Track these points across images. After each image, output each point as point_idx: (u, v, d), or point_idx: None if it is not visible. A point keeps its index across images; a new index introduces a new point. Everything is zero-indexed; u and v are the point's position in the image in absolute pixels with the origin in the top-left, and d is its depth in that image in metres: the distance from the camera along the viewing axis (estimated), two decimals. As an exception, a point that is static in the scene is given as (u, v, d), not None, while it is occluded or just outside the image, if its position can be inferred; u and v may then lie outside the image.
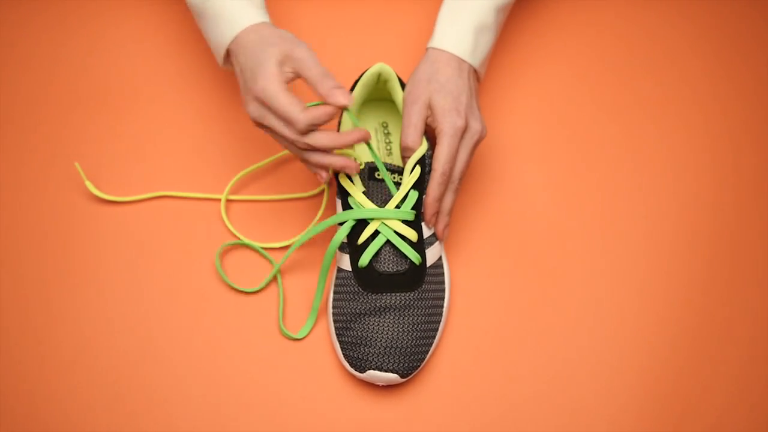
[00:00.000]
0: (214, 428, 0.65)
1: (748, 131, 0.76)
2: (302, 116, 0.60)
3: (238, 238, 0.71)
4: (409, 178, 0.64)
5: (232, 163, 0.74)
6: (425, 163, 0.66)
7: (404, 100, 0.66)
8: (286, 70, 0.62)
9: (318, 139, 0.61)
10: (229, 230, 0.71)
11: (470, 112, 0.65)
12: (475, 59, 0.67)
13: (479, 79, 0.69)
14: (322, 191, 0.72)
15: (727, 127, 0.76)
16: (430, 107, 0.65)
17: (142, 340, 0.68)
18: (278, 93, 0.60)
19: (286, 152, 0.73)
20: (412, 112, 0.65)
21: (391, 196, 0.64)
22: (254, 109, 0.63)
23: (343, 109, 0.60)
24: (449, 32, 0.67)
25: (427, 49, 0.68)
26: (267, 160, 0.73)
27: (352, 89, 0.68)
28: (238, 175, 0.72)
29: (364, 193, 0.64)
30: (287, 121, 0.61)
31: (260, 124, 0.64)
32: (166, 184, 0.73)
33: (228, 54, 0.66)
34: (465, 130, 0.65)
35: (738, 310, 0.70)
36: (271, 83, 0.60)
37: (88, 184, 0.71)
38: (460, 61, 0.66)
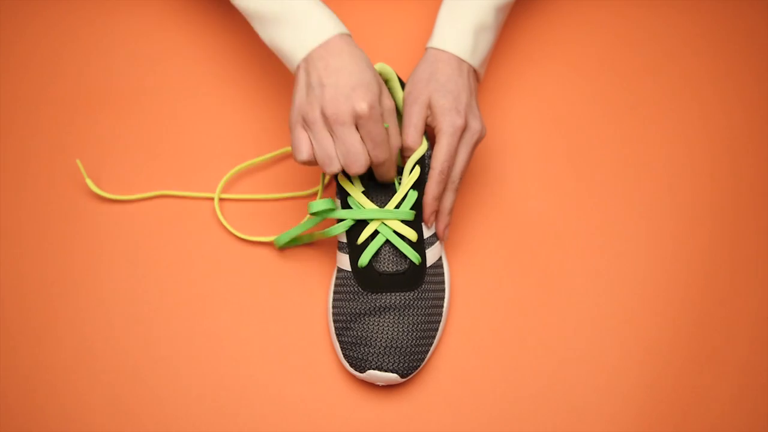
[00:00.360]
0: (214, 428, 0.65)
1: (748, 132, 0.76)
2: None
3: (234, 235, 0.71)
4: (409, 178, 0.64)
5: (232, 162, 0.74)
6: (425, 163, 0.66)
7: (404, 100, 0.66)
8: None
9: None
10: (228, 231, 0.71)
11: (470, 111, 0.65)
12: (475, 59, 0.67)
13: (479, 79, 0.69)
14: (317, 192, 0.72)
15: (727, 127, 0.76)
16: (429, 107, 0.65)
17: (142, 340, 0.68)
18: (416, 109, 0.65)
19: (281, 151, 0.73)
20: (412, 112, 0.65)
21: (391, 196, 0.64)
22: (369, 100, 0.60)
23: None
24: (449, 32, 0.67)
25: (426, 48, 0.68)
26: (260, 158, 0.73)
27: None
28: (230, 173, 0.73)
29: (363, 192, 0.64)
30: (387, 140, 0.61)
31: (312, 122, 0.61)
32: (166, 183, 0.73)
33: (307, 59, 0.63)
34: (464, 129, 0.65)
35: (738, 310, 0.70)
36: (379, 102, 0.61)
37: (88, 181, 0.71)
38: (460, 61, 0.66)
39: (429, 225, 0.66)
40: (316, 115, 0.60)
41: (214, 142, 0.75)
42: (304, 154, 0.61)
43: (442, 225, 0.66)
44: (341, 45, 0.61)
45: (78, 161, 0.71)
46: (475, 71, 0.68)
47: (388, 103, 0.62)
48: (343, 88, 0.60)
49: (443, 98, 0.65)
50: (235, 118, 0.76)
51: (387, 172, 0.63)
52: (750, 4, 0.82)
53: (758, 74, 0.79)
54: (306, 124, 0.61)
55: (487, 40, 0.68)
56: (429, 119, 0.65)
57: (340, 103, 0.59)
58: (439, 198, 0.65)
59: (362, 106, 0.59)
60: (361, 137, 0.60)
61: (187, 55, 0.79)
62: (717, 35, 0.80)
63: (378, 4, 0.81)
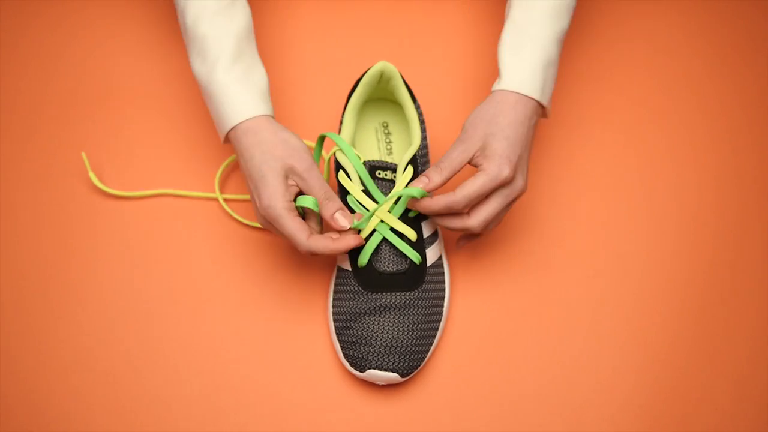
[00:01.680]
0: (214, 428, 0.65)
1: (749, 131, 0.76)
2: (306, 244, 0.61)
3: (235, 235, 0.71)
4: (402, 178, 0.64)
5: (234, 161, 0.74)
6: (417, 162, 0.65)
7: (459, 137, 0.63)
8: (290, 184, 0.62)
9: (318, 247, 0.61)
10: (228, 231, 0.71)
11: (520, 166, 0.62)
12: (544, 97, 0.63)
13: (546, 115, 0.66)
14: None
15: (729, 126, 0.76)
16: (482, 148, 0.62)
17: (143, 340, 0.68)
18: (284, 217, 0.61)
19: None
20: (457, 151, 0.62)
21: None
22: (261, 219, 0.63)
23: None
24: (516, 71, 0.63)
25: (492, 91, 0.64)
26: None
27: (354, 88, 0.68)
28: (225, 163, 0.73)
29: (363, 191, 0.64)
30: (293, 242, 0.61)
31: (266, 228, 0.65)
32: (166, 183, 0.73)
33: (228, 138, 0.65)
34: (509, 182, 0.61)
35: (738, 310, 0.69)
36: (277, 202, 0.61)
37: (92, 175, 0.71)
38: (527, 102, 0.62)
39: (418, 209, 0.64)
40: (262, 222, 0.64)
41: (215, 140, 0.75)
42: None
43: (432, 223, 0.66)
44: (247, 131, 0.62)
45: (83, 154, 0.71)
46: (542, 108, 0.64)
47: (300, 168, 0.62)
48: (253, 188, 0.62)
49: (499, 143, 0.61)
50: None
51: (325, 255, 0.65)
52: (750, 3, 0.82)
53: (759, 74, 0.79)
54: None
55: (553, 75, 0.64)
56: (477, 158, 0.62)
57: (258, 206, 0.62)
58: (437, 214, 0.63)
59: (262, 206, 0.61)
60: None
61: (186, 56, 0.79)
62: (718, 35, 0.80)
63: (379, 4, 0.81)
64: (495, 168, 0.60)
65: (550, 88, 0.64)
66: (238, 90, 0.63)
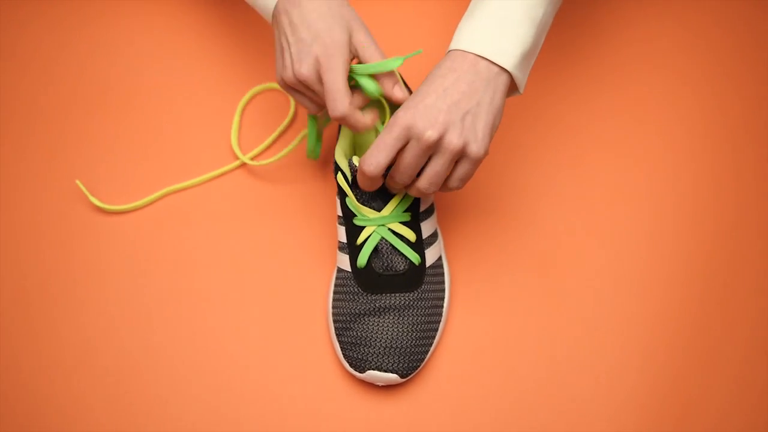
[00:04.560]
0: (214, 428, 0.65)
1: (747, 131, 0.76)
2: (344, 109, 0.58)
3: (234, 222, 0.71)
4: None
5: (233, 160, 0.74)
6: None
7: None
8: (349, 50, 0.59)
9: (355, 117, 0.60)
10: (229, 231, 0.71)
11: (450, 123, 0.56)
12: (487, 51, 0.57)
13: (518, 88, 0.60)
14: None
15: (727, 126, 0.76)
16: None
17: (143, 341, 0.68)
18: (339, 71, 0.58)
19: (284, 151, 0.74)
20: (383, 129, 0.58)
21: (388, 197, 0.64)
22: (296, 75, 0.59)
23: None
24: (459, 31, 0.58)
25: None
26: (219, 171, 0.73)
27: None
28: (235, 123, 0.73)
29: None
30: (328, 99, 0.58)
31: (291, 84, 0.61)
32: (165, 183, 0.73)
33: (275, 11, 0.61)
34: (436, 143, 0.57)
35: (738, 310, 0.69)
36: (339, 52, 0.58)
37: (92, 199, 0.71)
38: (475, 61, 0.57)
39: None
40: (290, 79, 0.61)
41: (215, 141, 0.75)
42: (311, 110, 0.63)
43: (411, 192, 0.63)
44: None
45: (78, 182, 0.71)
46: (505, 75, 0.58)
47: (358, 38, 0.59)
48: (302, 45, 0.59)
49: (409, 98, 0.58)
50: (234, 118, 0.76)
51: (354, 125, 0.60)
52: (750, 4, 0.81)
53: (758, 74, 0.78)
54: (287, 87, 0.62)
55: (517, 29, 0.57)
56: None
57: (301, 64, 0.59)
58: (400, 189, 0.61)
59: (316, 51, 0.59)
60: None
61: (186, 56, 0.79)
62: (716, 35, 0.80)
63: (380, 4, 0.81)
64: (393, 117, 0.57)
65: (513, 49, 0.57)
66: None
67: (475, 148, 0.57)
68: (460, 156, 0.58)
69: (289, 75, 0.60)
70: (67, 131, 0.75)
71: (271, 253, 0.71)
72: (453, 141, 0.56)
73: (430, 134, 0.56)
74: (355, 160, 0.61)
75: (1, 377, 0.67)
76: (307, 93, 0.62)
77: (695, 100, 0.77)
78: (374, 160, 0.57)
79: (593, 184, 0.74)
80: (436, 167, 0.58)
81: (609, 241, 0.72)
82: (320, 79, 0.59)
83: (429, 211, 0.66)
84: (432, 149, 0.57)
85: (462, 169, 0.59)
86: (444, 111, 0.56)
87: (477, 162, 0.58)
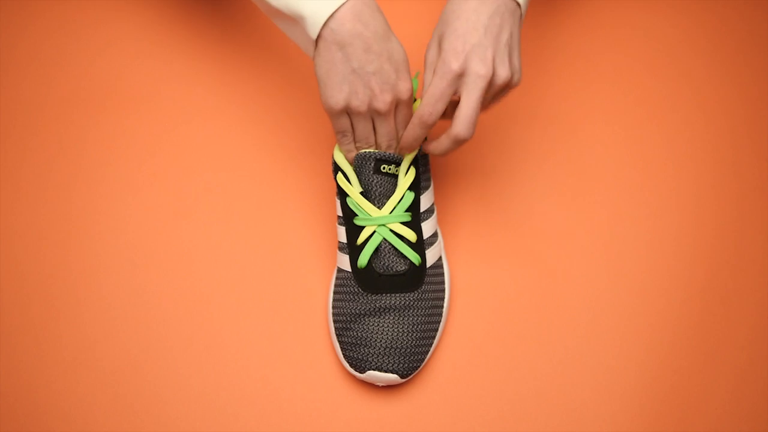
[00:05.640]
0: (214, 428, 0.65)
1: (749, 131, 0.76)
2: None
3: (238, 222, 0.71)
4: (405, 180, 0.63)
5: (233, 161, 0.74)
6: (419, 163, 0.65)
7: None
8: None
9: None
10: (229, 230, 0.71)
11: (479, 53, 0.57)
12: None
13: (521, 15, 0.60)
14: None
15: (729, 126, 0.76)
16: (438, 55, 0.60)
17: (143, 340, 0.68)
18: (410, 104, 0.61)
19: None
20: (436, 79, 0.59)
21: (389, 197, 0.64)
22: (390, 98, 0.60)
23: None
24: None
25: None
26: None
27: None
28: None
29: (361, 193, 0.64)
30: (415, 120, 0.59)
31: (357, 112, 0.60)
32: (167, 183, 0.73)
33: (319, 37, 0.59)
34: (464, 73, 0.58)
35: (738, 310, 0.69)
36: (410, 85, 0.60)
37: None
38: None
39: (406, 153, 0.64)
40: (360, 107, 0.60)
41: (215, 141, 0.75)
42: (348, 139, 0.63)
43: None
44: (350, 16, 0.57)
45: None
46: (519, 8, 0.60)
47: (403, 86, 0.60)
48: (386, 76, 0.59)
49: (447, 39, 0.58)
50: (237, 118, 0.76)
51: (411, 146, 0.62)
52: (750, 3, 0.81)
53: (759, 73, 0.78)
54: (349, 112, 0.61)
55: None
56: (437, 67, 0.60)
57: (384, 95, 0.59)
58: (419, 139, 0.62)
59: (405, 93, 0.60)
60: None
61: (186, 56, 0.78)
62: (717, 34, 0.80)
63: (380, 4, 0.81)
64: (441, 64, 0.58)
65: None
66: None
67: (517, 77, 0.60)
68: (506, 87, 0.60)
69: (361, 103, 0.59)
70: (67, 131, 0.75)
71: (271, 254, 0.71)
72: (503, 74, 0.58)
73: (485, 72, 0.57)
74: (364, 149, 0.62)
75: (1, 377, 0.66)
76: (360, 124, 0.61)
77: (695, 100, 0.77)
78: (433, 109, 0.58)
79: (594, 184, 0.74)
80: (487, 103, 0.61)
81: (609, 241, 0.72)
82: (393, 112, 0.61)
83: (429, 211, 0.66)
84: (488, 86, 0.58)
85: (500, 96, 0.62)
86: (490, 47, 0.58)
87: (514, 88, 0.62)
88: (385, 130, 0.61)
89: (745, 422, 0.66)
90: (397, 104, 0.61)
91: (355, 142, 0.63)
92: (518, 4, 0.59)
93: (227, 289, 0.70)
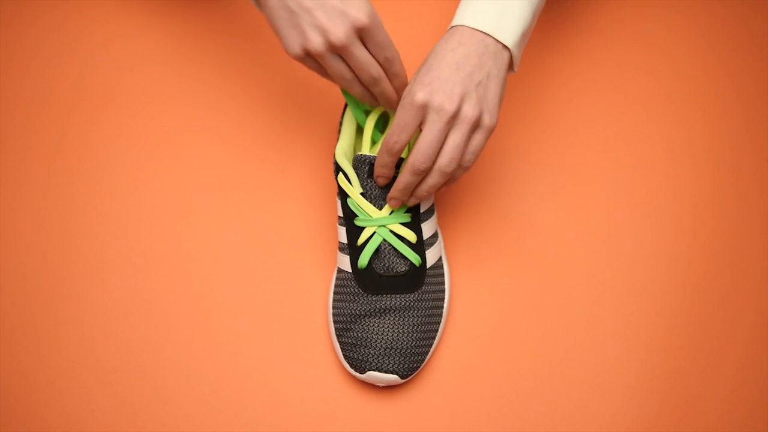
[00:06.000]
0: (214, 428, 0.65)
1: (748, 130, 0.76)
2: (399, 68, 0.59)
3: (239, 223, 0.71)
4: None
5: (233, 161, 0.74)
6: None
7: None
8: None
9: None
10: (229, 230, 0.71)
11: (467, 97, 0.58)
12: (503, 34, 0.58)
13: (513, 66, 0.61)
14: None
15: (728, 126, 0.76)
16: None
17: (143, 340, 0.68)
18: (382, 27, 0.57)
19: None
20: (399, 109, 0.59)
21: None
22: (326, 42, 0.56)
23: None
24: (460, 8, 0.59)
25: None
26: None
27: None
28: None
29: (362, 194, 0.64)
30: (385, 62, 0.58)
31: (318, 53, 0.58)
32: (166, 184, 0.73)
33: None
34: (454, 116, 0.57)
35: (738, 310, 0.69)
36: (373, 11, 0.57)
37: None
38: (483, 37, 0.58)
39: (393, 206, 0.63)
40: (318, 47, 0.57)
41: (215, 141, 0.75)
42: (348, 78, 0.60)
43: (411, 203, 0.63)
44: None
45: None
46: (507, 52, 0.59)
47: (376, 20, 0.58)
48: (331, 8, 0.56)
49: (418, 74, 0.58)
50: (238, 118, 0.76)
51: (386, 91, 0.61)
52: (750, 3, 0.81)
53: (758, 73, 0.78)
54: (311, 56, 0.59)
55: (518, 9, 0.59)
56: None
57: (336, 27, 0.56)
58: (411, 188, 0.61)
59: (362, 18, 0.56)
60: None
61: (186, 56, 0.78)
62: (717, 34, 0.80)
63: (380, 4, 0.81)
64: (406, 94, 0.58)
65: (513, 26, 0.59)
66: None
67: (488, 118, 0.59)
68: (475, 127, 0.59)
69: (316, 43, 0.57)
70: (67, 131, 0.75)
71: (271, 254, 0.71)
72: (469, 111, 0.57)
73: (449, 106, 0.57)
74: (366, 151, 0.61)
75: (1, 377, 0.66)
76: (332, 64, 0.59)
77: (695, 100, 0.77)
78: (397, 138, 0.58)
79: (594, 184, 0.74)
80: (456, 140, 0.58)
81: (609, 241, 0.72)
82: (360, 43, 0.58)
83: (430, 212, 0.66)
84: (451, 122, 0.58)
85: (475, 141, 0.59)
86: (459, 83, 0.57)
87: (489, 132, 0.59)
88: (359, 63, 0.58)
89: (745, 422, 0.66)
90: (361, 32, 0.57)
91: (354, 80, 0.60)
92: (505, 47, 0.59)
93: (227, 289, 0.70)
